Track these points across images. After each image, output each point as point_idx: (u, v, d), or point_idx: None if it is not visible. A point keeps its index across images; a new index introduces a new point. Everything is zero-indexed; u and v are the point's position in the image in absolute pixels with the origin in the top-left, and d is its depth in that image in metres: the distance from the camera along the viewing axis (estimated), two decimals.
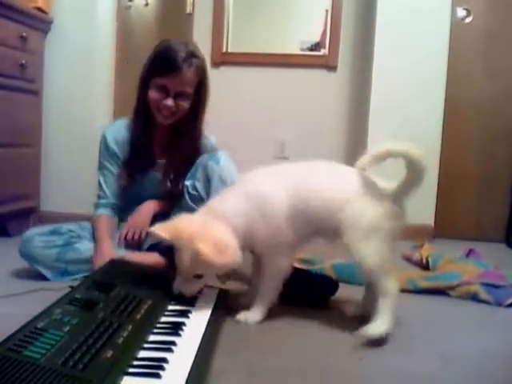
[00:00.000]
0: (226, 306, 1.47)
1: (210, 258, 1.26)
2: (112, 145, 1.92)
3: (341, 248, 1.41)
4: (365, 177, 1.41)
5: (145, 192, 1.96)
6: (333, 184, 1.42)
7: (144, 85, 1.85)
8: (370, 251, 1.36)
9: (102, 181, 1.94)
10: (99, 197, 1.94)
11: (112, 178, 1.93)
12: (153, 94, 1.82)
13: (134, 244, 1.88)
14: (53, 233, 1.81)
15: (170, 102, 1.80)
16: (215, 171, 1.77)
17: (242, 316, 1.44)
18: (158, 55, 1.82)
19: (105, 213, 1.91)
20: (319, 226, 1.43)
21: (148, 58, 1.85)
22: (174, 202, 1.94)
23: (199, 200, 1.79)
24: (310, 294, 1.62)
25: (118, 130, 1.95)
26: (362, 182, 1.40)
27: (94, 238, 1.85)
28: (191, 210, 1.79)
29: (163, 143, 1.96)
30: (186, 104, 1.85)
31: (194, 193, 1.85)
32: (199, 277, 1.36)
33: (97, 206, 1.93)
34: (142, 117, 1.89)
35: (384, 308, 1.34)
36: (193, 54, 1.81)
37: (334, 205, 1.38)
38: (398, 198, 1.39)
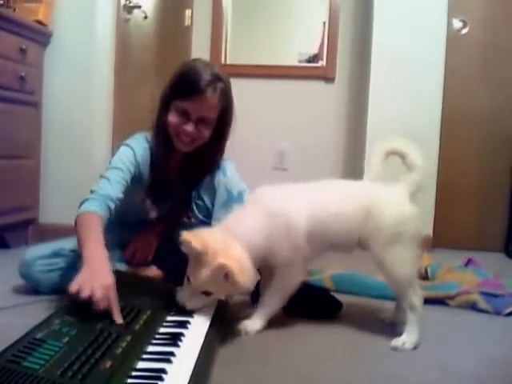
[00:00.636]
0: (225, 316, 1.47)
1: (238, 278, 1.24)
2: (140, 160, 1.72)
3: (341, 258, 1.43)
4: (377, 185, 1.46)
5: (149, 214, 1.90)
6: (350, 201, 1.45)
7: (164, 107, 1.70)
8: (398, 259, 1.39)
9: (111, 178, 1.62)
10: (99, 190, 1.58)
11: (123, 183, 1.64)
12: (173, 118, 1.67)
13: (137, 266, 1.83)
14: (55, 255, 1.74)
15: (190, 127, 1.65)
16: (221, 182, 1.76)
17: (241, 325, 1.43)
18: (181, 76, 1.68)
19: (99, 211, 1.54)
20: (339, 242, 1.47)
21: (171, 78, 1.71)
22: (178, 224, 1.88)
23: (205, 210, 1.79)
24: (312, 311, 1.61)
25: (142, 149, 1.75)
26: (377, 192, 1.44)
27: (79, 238, 1.47)
28: (197, 220, 1.81)
29: (178, 168, 1.83)
30: (207, 131, 1.69)
31: (200, 202, 1.82)
32: (207, 293, 1.33)
33: (88, 199, 1.57)
34: (162, 141, 1.73)
35: (412, 321, 1.38)
36: (218, 78, 1.66)
37: (354, 223, 1.42)
38: (412, 197, 1.44)
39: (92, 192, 1.58)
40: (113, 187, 1.60)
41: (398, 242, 1.38)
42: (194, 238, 1.29)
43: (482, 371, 1.28)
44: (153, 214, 1.89)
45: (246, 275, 1.27)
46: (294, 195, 1.47)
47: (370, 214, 1.40)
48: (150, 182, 1.76)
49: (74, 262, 1.70)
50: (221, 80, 1.66)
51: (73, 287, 1.19)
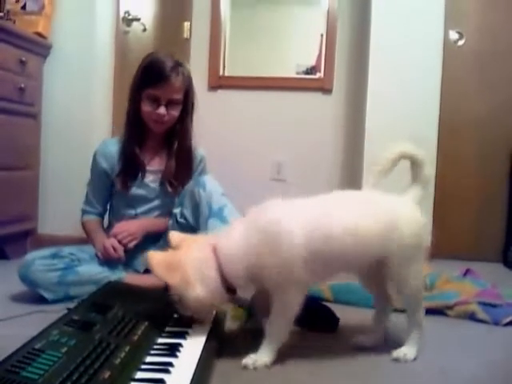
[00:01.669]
0: (223, 327, 1.47)
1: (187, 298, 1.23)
2: (101, 160, 2.00)
3: None
4: (392, 196, 1.37)
5: (138, 204, 2.01)
6: (370, 215, 1.30)
7: (135, 98, 1.94)
8: (412, 273, 1.34)
9: (90, 194, 2.05)
10: (86, 206, 2.06)
11: (99, 193, 2.05)
12: (146, 107, 1.91)
13: (118, 248, 1.87)
14: (54, 256, 1.80)
15: (162, 110, 1.89)
16: (202, 197, 1.79)
17: (249, 360, 1.26)
18: (146, 68, 1.92)
19: (94, 218, 2.05)
20: (353, 263, 1.35)
21: (136, 72, 1.95)
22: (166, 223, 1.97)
23: (188, 228, 1.81)
24: (309, 326, 1.60)
25: (106, 146, 2.03)
26: (396, 205, 1.36)
27: (89, 238, 2.01)
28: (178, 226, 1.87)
29: (157, 152, 2.04)
30: (176, 111, 1.95)
31: (183, 221, 1.88)
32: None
33: (84, 212, 2.07)
34: (134, 128, 1.97)
35: (415, 336, 1.37)
36: (179, 63, 1.92)
37: (377, 239, 1.29)
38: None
39: (82, 211, 2.08)
40: (92, 206, 2.05)
41: (417, 256, 1.34)
42: (159, 264, 1.25)
43: (482, 380, 1.29)
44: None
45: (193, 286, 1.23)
46: (294, 209, 1.29)
47: (395, 229, 1.30)
48: (120, 166, 1.98)
49: (72, 265, 1.77)
50: (181, 65, 1.93)
51: (100, 252, 1.87)
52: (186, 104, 1.98)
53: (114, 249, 1.85)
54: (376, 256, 1.31)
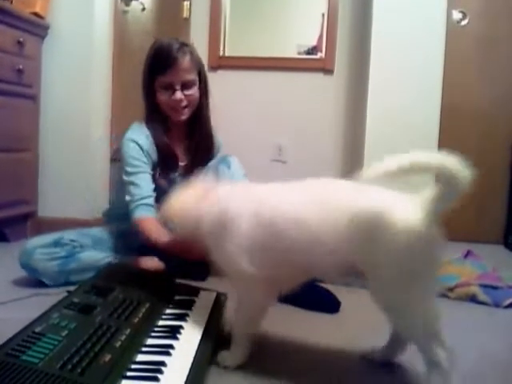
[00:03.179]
0: (223, 308, 1.46)
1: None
2: (144, 145, 1.83)
3: None
4: (384, 190, 1.04)
5: (163, 196, 1.93)
6: (332, 208, 1.05)
7: (149, 91, 1.87)
8: (410, 303, 1.00)
9: (138, 182, 1.77)
10: (137, 197, 1.75)
11: (148, 178, 1.80)
12: (161, 96, 1.84)
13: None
14: (55, 244, 1.78)
15: (179, 94, 1.82)
16: (226, 175, 1.83)
17: (220, 357, 1.20)
18: (153, 56, 1.85)
19: (150, 215, 1.72)
20: (310, 265, 1.11)
21: (144, 63, 1.87)
22: None
23: None
24: (310, 307, 1.61)
25: (142, 133, 1.86)
26: (383, 200, 1.03)
27: (145, 241, 1.70)
28: None
29: (181, 146, 1.96)
30: (194, 92, 1.87)
31: None
32: None
33: (137, 206, 1.74)
34: (157, 122, 1.88)
35: (433, 380, 1.01)
36: (184, 44, 1.85)
37: (340, 239, 1.02)
38: (431, 216, 0.98)
39: (130, 202, 1.76)
40: (142, 189, 1.76)
41: (414, 279, 0.99)
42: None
43: (482, 363, 1.29)
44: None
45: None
46: (253, 194, 1.18)
47: (368, 232, 1.00)
48: (158, 159, 1.86)
49: (74, 252, 1.76)
50: (186, 45, 1.86)
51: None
52: (201, 85, 1.90)
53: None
54: (344, 262, 1.05)
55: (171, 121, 1.91)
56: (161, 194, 1.79)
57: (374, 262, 1.01)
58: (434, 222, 0.99)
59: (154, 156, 1.86)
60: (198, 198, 1.24)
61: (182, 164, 1.95)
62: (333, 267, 1.07)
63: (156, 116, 1.88)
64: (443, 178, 0.96)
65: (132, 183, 1.77)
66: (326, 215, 1.04)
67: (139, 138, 1.82)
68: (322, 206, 1.06)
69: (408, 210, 1.00)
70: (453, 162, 0.94)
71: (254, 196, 1.18)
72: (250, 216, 1.12)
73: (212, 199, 1.21)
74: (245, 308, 1.19)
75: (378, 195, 1.04)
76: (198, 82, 1.88)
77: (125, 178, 1.79)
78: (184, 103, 1.84)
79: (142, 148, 1.81)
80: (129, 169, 1.79)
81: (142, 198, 1.74)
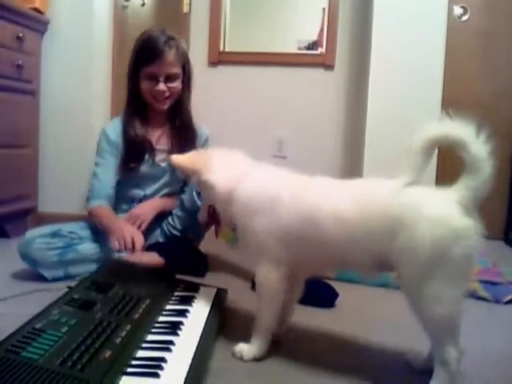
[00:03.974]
0: (224, 303, 1.47)
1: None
2: (113, 136, 1.95)
3: None
4: (417, 188, 1.07)
5: (147, 184, 2.01)
6: (369, 203, 1.09)
7: (133, 78, 1.94)
8: (432, 296, 1.03)
9: (99, 172, 1.92)
10: (94, 188, 1.91)
11: (111, 170, 1.94)
12: (145, 85, 1.92)
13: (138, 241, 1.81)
14: (54, 235, 1.81)
15: (162, 86, 1.90)
16: None
17: (237, 348, 1.22)
18: (139, 47, 1.92)
19: (104, 203, 1.89)
20: (343, 256, 1.14)
21: (131, 52, 1.95)
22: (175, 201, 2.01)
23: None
24: (307, 301, 1.61)
25: (116, 126, 1.99)
26: (413, 197, 1.06)
27: (99, 225, 1.83)
28: (195, 205, 1.88)
29: (163, 130, 2.03)
30: (177, 84, 1.95)
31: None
32: None
33: (92, 196, 1.90)
34: (136, 109, 1.96)
35: (440, 376, 1.05)
36: (171, 37, 1.91)
37: (372, 235, 1.06)
38: (468, 206, 1.04)
39: (89, 191, 1.92)
40: (101, 183, 1.91)
41: (441, 273, 1.01)
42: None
43: (482, 359, 1.29)
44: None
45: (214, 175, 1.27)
46: (296, 183, 1.22)
47: (399, 227, 1.02)
48: (124, 146, 1.95)
49: (72, 243, 1.79)
50: (173, 39, 1.91)
51: (115, 244, 1.64)
52: (184, 78, 1.98)
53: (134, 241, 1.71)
54: (377, 257, 1.08)
55: (151, 107, 1.98)
56: (144, 178, 1.99)
57: (400, 255, 1.03)
58: (470, 217, 1.02)
59: (121, 142, 1.95)
60: (240, 173, 1.28)
61: (162, 148, 2.01)
62: (365, 261, 1.10)
63: (136, 102, 1.96)
64: (467, 163, 1.07)
65: (95, 174, 1.93)
66: (365, 213, 1.07)
67: (110, 130, 1.96)
68: (360, 203, 1.09)
69: (444, 206, 1.03)
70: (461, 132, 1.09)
71: (297, 185, 1.21)
72: (290, 203, 1.16)
73: (254, 177, 1.26)
74: (262, 292, 1.20)
75: (416, 193, 1.06)
76: (181, 75, 1.96)
77: (94, 167, 1.96)
78: (166, 94, 1.92)
79: (110, 140, 1.94)
80: (97, 159, 1.96)
81: (98, 192, 1.90)
